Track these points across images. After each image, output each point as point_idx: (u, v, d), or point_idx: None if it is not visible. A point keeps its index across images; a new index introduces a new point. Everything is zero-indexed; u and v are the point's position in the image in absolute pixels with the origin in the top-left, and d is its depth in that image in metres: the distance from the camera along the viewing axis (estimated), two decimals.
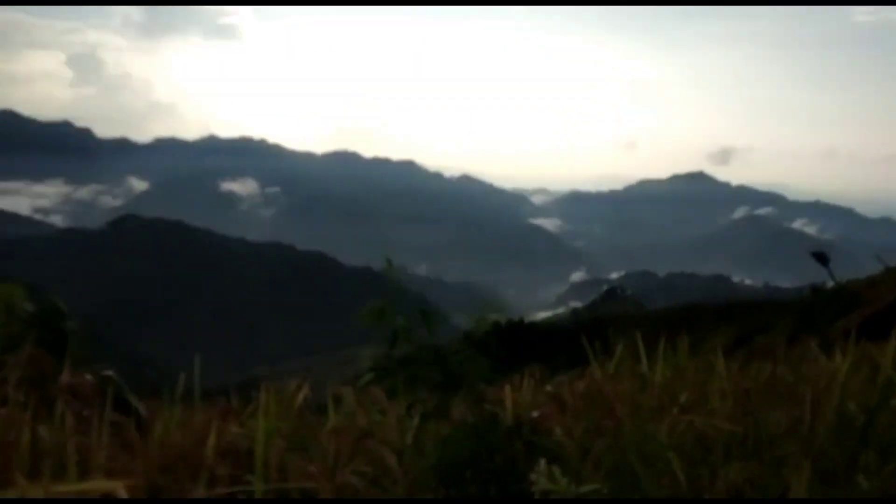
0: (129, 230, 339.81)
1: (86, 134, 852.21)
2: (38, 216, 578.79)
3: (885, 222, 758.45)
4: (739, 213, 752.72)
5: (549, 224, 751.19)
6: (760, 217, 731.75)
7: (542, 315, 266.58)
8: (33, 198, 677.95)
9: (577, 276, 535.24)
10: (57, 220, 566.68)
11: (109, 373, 2.18)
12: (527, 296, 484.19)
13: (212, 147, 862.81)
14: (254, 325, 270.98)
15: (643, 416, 2.98)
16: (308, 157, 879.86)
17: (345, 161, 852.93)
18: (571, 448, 2.75)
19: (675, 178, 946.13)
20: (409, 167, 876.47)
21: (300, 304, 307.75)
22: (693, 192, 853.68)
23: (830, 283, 30.37)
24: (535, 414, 2.88)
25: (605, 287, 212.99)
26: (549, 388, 4.00)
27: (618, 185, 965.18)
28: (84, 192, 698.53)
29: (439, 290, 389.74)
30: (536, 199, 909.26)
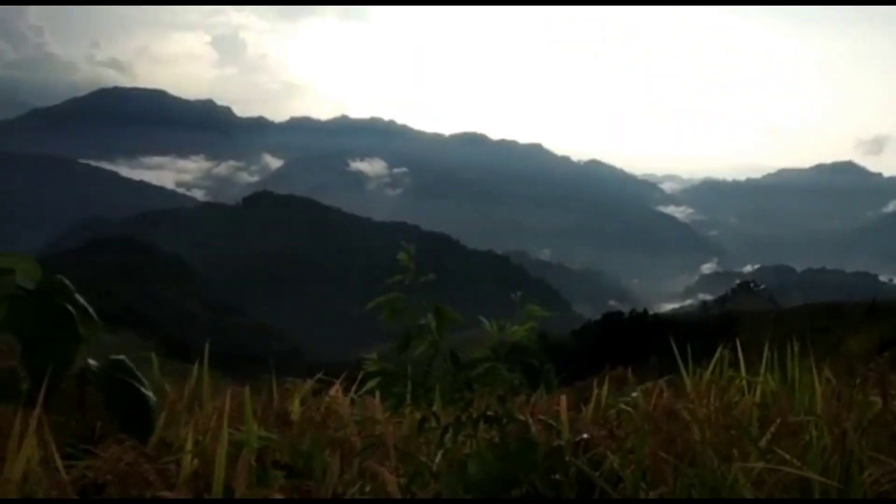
0: (263, 206, 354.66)
1: (226, 112, 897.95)
2: (181, 190, 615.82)
3: None
4: (891, 206, 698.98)
5: (680, 213, 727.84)
6: None
7: (668, 307, 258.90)
8: (178, 172, 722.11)
9: (707, 267, 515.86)
10: (198, 195, 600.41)
11: (120, 357, 1.84)
12: (653, 286, 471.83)
13: (343, 127, 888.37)
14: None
15: (719, 451, 2.46)
16: (436, 139, 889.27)
17: (472, 143, 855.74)
18: (626, 481, 2.42)
19: (820, 168, 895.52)
20: (536, 150, 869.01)
21: (424, 284, 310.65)
22: (839, 183, 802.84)
23: None
24: (584, 436, 2.54)
25: (737, 281, 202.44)
26: (624, 399, 3.37)
27: (756, 174, 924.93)
28: (223, 168, 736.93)
29: (562, 277, 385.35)
30: (667, 187, 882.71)
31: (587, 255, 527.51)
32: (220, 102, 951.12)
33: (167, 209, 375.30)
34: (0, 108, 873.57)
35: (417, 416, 2.64)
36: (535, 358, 2.66)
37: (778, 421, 2.73)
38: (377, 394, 2.82)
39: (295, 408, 3.00)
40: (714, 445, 2.45)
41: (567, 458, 2.47)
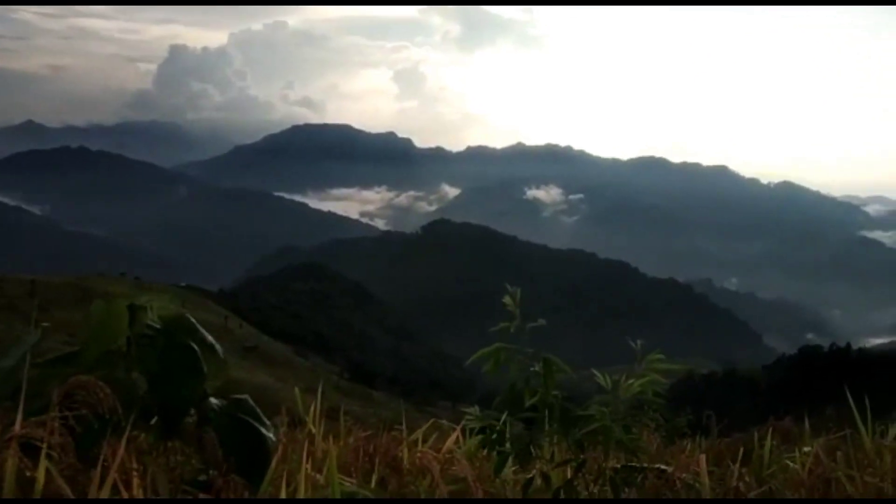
0: (440, 234, 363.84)
1: (407, 144, 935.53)
2: (364, 219, 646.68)
3: None
4: None
5: (888, 238, 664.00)
6: None
7: (875, 341, 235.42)
8: (362, 203, 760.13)
9: None
10: (380, 223, 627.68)
11: (243, 396, 1.95)
12: (857, 318, 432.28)
13: (519, 154, 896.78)
14: (552, 332, 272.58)
15: None
16: (613, 164, 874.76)
17: (651, 167, 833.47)
18: None
19: None
20: (721, 173, 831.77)
21: (599, 313, 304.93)
22: None
23: None
24: None
25: None
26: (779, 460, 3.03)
27: None
28: (403, 198, 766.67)
29: (751, 307, 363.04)
30: (872, 209, 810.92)
31: (780, 284, 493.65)
32: (401, 134, 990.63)
33: (352, 238, 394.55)
34: (210, 147, 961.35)
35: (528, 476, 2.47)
36: (656, 413, 2.56)
37: None
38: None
39: (405, 454, 2.73)
40: None
41: None
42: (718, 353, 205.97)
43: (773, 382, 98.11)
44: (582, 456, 2.24)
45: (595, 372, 2.37)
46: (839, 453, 2.78)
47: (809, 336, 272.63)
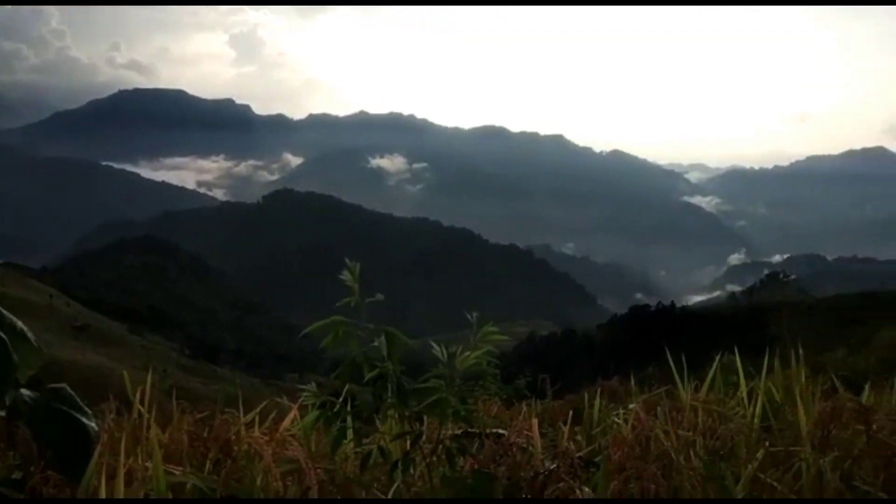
0: (283, 204, 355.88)
1: (245, 111, 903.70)
2: (202, 190, 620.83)
3: None
4: None
5: (706, 203, 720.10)
6: None
7: (696, 299, 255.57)
8: (198, 172, 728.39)
9: (735, 258, 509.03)
10: (219, 194, 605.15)
11: (61, 385, 1.85)
12: (680, 278, 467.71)
13: (362, 123, 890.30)
14: (400, 300, 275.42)
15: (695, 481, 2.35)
16: (456, 133, 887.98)
17: (492, 136, 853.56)
18: None
19: (850, 154, 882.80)
20: (557, 141, 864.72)
21: (446, 280, 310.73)
22: (870, 169, 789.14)
23: None
24: (550, 466, 2.35)
25: (766, 271, 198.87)
26: (619, 413, 3.22)
27: (783, 162, 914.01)
28: (243, 167, 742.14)
29: (587, 271, 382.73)
30: (693, 176, 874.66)
31: (612, 248, 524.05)
32: (239, 101, 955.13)
33: (189, 209, 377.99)
34: (24, 113, 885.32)
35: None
36: (496, 377, 2.56)
37: (767, 444, 2.59)
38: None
39: (239, 438, 2.63)
40: (691, 474, 2.33)
41: (525, 495, 2.28)
42: (558, 315, 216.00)
43: (607, 341, 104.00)
44: (420, 427, 2.24)
45: (432, 344, 2.31)
46: (658, 409, 2.95)
47: (639, 296, 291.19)
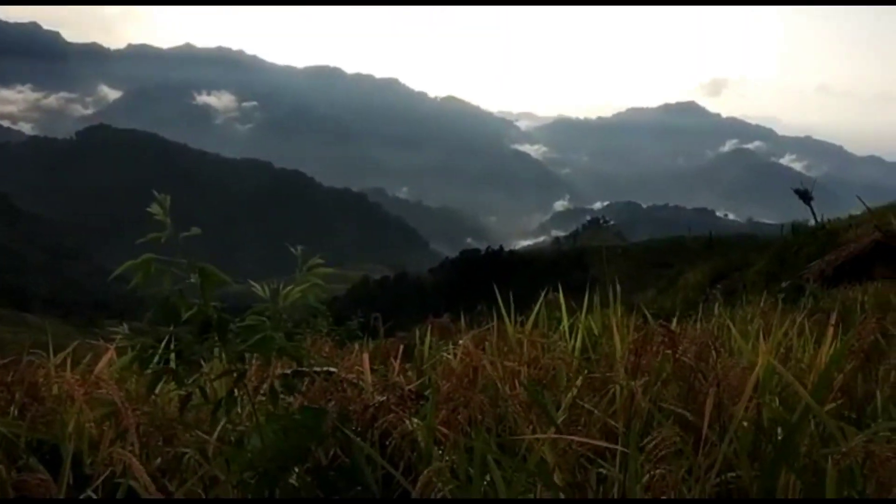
0: (100, 141, 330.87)
1: (54, 37, 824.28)
2: (5, 123, 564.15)
3: (873, 161, 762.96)
4: (729, 146, 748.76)
5: (535, 150, 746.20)
6: (749, 151, 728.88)
7: (523, 243, 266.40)
8: (1, 104, 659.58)
9: (560, 204, 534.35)
10: (26, 128, 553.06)
11: None
12: (509, 223, 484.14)
13: (187, 56, 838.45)
14: (229, 242, 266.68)
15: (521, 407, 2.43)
16: (288, 72, 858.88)
17: (327, 76, 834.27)
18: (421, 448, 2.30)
19: (666, 108, 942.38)
20: (392, 85, 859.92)
21: (277, 223, 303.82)
22: (683, 122, 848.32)
23: (812, 222, 29.01)
24: (380, 399, 2.36)
25: (588, 217, 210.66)
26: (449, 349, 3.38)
27: (606, 113, 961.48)
28: (53, 100, 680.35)
29: (420, 215, 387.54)
30: (523, 124, 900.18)
31: (445, 193, 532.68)
32: (46, 27, 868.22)
33: None
34: None
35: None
36: (321, 319, 2.48)
37: (585, 372, 2.76)
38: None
39: (50, 381, 2.52)
40: (516, 403, 2.40)
41: (355, 427, 2.28)
42: (391, 259, 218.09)
43: (439, 284, 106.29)
44: (244, 366, 2.12)
45: (252, 283, 2.20)
46: (487, 344, 3.08)
47: (469, 240, 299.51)
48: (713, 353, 2.36)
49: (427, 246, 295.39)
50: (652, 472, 1.80)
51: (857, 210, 27.57)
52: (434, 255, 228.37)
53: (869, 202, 28.04)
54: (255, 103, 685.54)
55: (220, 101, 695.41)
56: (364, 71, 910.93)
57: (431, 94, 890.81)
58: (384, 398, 2.35)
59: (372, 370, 2.93)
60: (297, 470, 2.12)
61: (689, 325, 4.27)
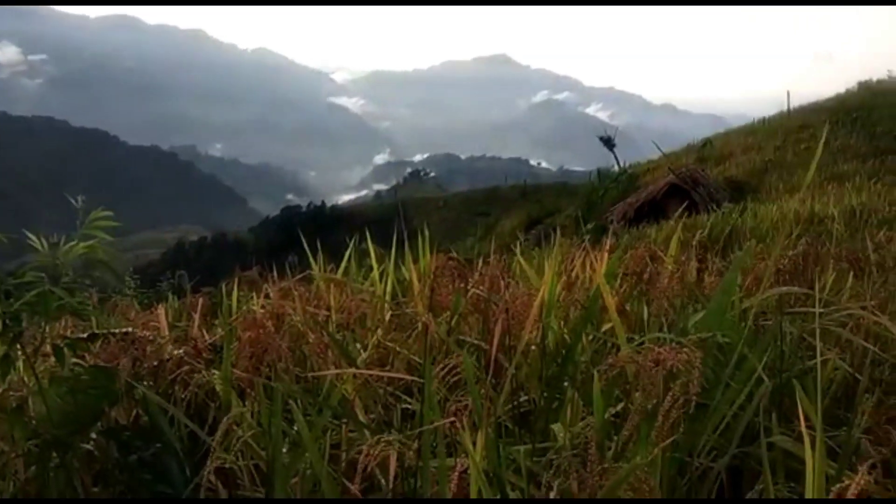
0: None
1: None
2: None
3: (667, 109, 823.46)
4: (539, 97, 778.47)
5: (352, 104, 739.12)
6: (559, 102, 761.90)
7: (345, 198, 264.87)
8: None
9: (380, 158, 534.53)
10: None
11: None
12: (329, 178, 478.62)
13: None
14: (24, 207, 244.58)
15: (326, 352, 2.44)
16: (81, 22, 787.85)
17: (125, 28, 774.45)
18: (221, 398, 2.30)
19: (479, 60, 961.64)
20: (199, 36, 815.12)
21: (79, 186, 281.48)
22: (496, 74, 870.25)
23: (615, 168, 31.56)
24: (176, 352, 2.32)
25: (408, 170, 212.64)
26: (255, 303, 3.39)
27: (423, 66, 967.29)
28: None
29: (236, 172, 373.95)
30: (339, 77, 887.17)
31: (262, 149, 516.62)
32: None
33: None
34: None
35: None
36: (110, 273, 2.37)
37: (390, 313, 2.88)
38: None
39: None
40: (319, 345, 2.38)
41: (155, 386, 2.23)
42: (207, 219, 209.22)
43: (259, 243, 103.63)
44: (21, 326, 1.96)
45: (28, 234, 2.05)
46: (295, 293, 3.08)
47: (290, 197, 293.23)
48: (502, 283, 2.43)
49: (245, 204, 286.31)
50: (449, 399, 1.83)
51: (654, 155, 29.94)
52: (254, 213, 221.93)
53: (664, 148, 30.55)
54: (44, 56, 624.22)
55: (3, 54, 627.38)
56: (167, 22, 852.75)
57: (241, 46, 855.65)
58: (180, 351, 2.32)
59: (174, 327, 2.85)
60: (92, 434, 2.05)
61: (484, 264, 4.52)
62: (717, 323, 2.15)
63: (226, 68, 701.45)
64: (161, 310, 2.63)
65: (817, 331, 1.91)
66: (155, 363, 2.24)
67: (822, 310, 2.08)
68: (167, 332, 2.50)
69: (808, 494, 1.40)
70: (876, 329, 2.48)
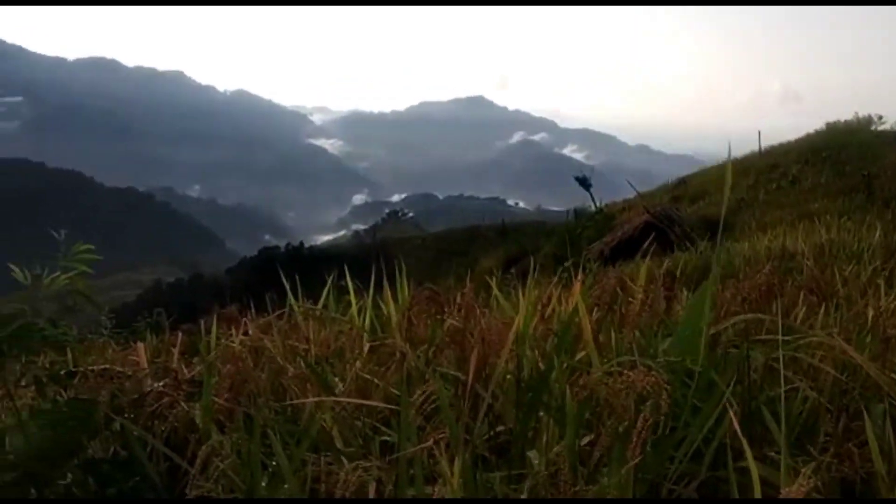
0: None
1: None
2: None
3: (641, 149, 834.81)
4: (515, 137, 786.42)
5: (330, 145, 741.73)
6: (535, 142, 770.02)
7: (323, 238, 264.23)
8: None
9: (358, 198, 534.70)
10: None
11: None
12: (307, 219, 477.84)
13: None
14: (2, 248, 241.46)
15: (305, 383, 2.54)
16: (58, 64, 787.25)
17: (103, 69, 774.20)
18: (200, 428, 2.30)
19: (457, 102, 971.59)
20: (177, 78, 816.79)
21: (55, 228, 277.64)
22: (473, 115, 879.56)
23: (592, 207, 31.84)
24: (155, 385, 2.29)
25: (386, 210, 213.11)
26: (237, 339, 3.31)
27: (400, 107, 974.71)
28: None
29: (214, 213, 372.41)
30: (317, 118, 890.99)
31: (239, 190, 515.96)
32: None
33: None
34: None
35: None
36: (90, 305, 2.39)
37: (369, 346, 2.90)
38: None
39: None
40: (297, 377, 2.44)
41: (127, 415, 2.19)
42: (184, 260, 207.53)
43: (237, 283, 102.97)
44: (2, 359, 1.96)
45: (12, 266, 2.08)
46: (275, 329, 3.14)
47: (267, 237, 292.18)
48: (478, 313, 2.44)
49: (223, 245, 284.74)
50: (425, 426, 1.87)
51: (630, 194, 30.34)
52: (231, 254, 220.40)
53: (639, 187, 31.02)
54: (19, 98, 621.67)
55: None
56: (145, 64, 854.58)
57: (220, 87, 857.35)
58: (161, 384, 2.30)
59: (153, 363, 2.87)
60: (70, 467, 2.00)
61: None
62: (686, 348, 2.18)
63: (204, 110, 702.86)
64: (140, 346, 2.64)
65: (780, 357, 1.93)
66: (135, 396, 2.23)
67: (786, 337, 2.11)
68: (146, 367, 2.51)
69: None
70: (843, 358, 2.51)
